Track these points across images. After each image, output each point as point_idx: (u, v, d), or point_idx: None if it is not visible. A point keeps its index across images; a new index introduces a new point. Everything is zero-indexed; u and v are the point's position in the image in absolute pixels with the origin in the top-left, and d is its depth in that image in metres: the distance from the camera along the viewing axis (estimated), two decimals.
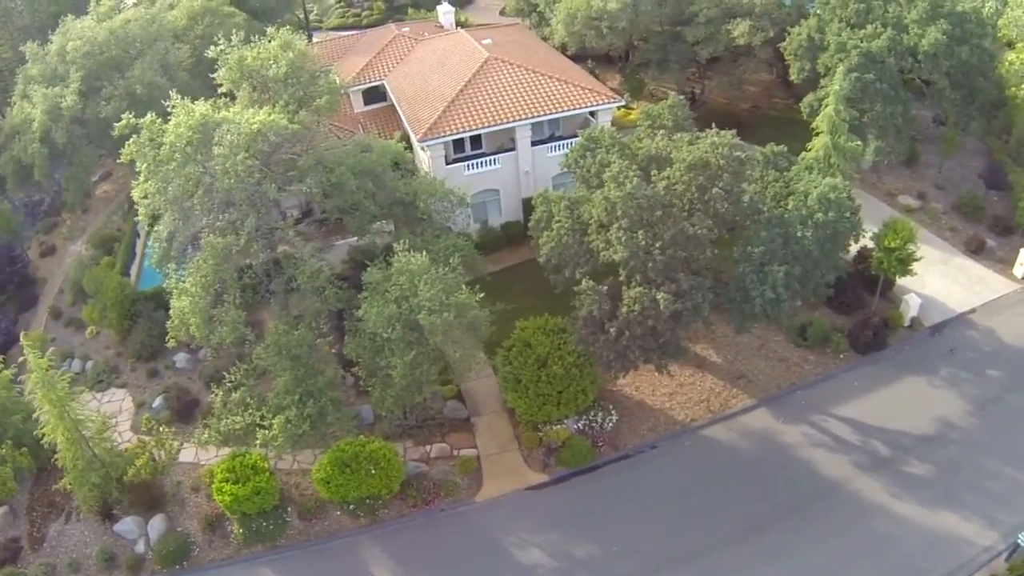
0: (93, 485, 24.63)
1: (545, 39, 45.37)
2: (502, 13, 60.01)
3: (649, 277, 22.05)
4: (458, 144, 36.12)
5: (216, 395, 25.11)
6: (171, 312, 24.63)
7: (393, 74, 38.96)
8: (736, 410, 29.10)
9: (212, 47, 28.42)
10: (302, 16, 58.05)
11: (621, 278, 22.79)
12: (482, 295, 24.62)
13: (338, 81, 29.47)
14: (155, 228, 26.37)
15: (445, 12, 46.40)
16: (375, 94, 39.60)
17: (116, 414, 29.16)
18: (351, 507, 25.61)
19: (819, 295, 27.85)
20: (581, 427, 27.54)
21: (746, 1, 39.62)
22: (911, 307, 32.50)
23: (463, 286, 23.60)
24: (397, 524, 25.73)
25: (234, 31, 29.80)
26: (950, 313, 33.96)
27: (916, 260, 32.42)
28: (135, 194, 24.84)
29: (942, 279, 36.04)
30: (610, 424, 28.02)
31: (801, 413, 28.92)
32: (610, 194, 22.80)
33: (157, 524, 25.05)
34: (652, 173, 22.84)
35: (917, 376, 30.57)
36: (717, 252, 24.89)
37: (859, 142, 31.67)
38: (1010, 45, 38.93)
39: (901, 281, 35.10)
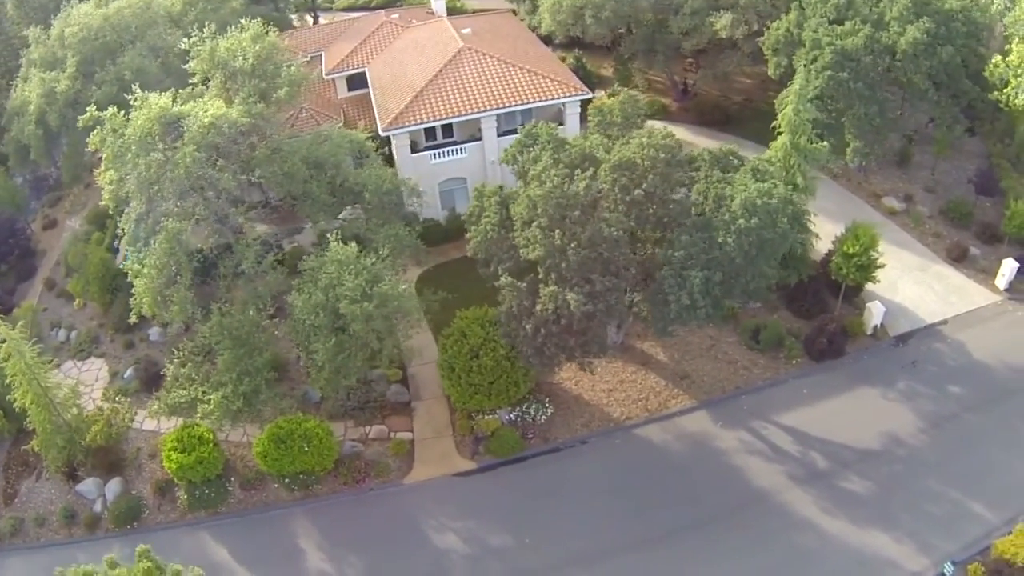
0: (59, 448, 26.83)
1: (534, 28, 45.08)
2: None
3: (564, 276, 22.20)
4: (430, 131, 36.54)
5: (168, 369, 26.61)
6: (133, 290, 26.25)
7: (375, 62, 39.90)
8: (674, 411, 29.20)
9: (185, 39, 29.46)
10: None
11: (540, 275, 22.96)
12: (424, 287, 25.06)
13: (300, 73, 29.90)
14: (125, 211, 27.85)
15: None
16: (359, 80, 40.75)
17: (93, 382, 31.56)
18: (287, 481, 26.77)
19: (758, 298, 27.38)
20: (513, 418, 28.09)
21: None
22: (874, 315, 31.70)
23: (388, 276, 24.14)
24: (329, 500, 27.12)
25: (210, 24, 30.76)
26: (919, 323, 33.16)
27: (879, 267, 31.34)
28: (101, 180, 26.33)
29: (916, 286, 35.01)
30: (543, 417, 28.53)
31: (742, 418, 28.87)
32: (532, 192, 22.98)
33: (114, 486, 27.26)
34: (576, 172, 22.83)
35: (872, 387, 30.16)
36: (648, 253, 24.74)
37: (824, 143, 30.65)
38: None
39: (871, 287, 34.01)
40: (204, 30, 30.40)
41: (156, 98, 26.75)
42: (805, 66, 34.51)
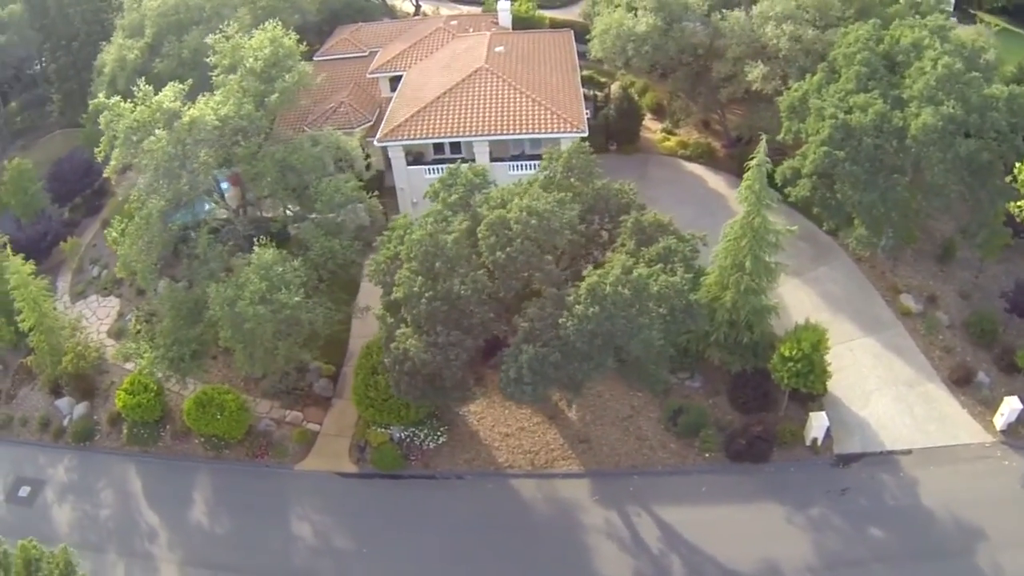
0: (49, 367, 31.81)
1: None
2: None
3: (417, 321, 22.90)
4: (439, 146, 38.80)
5: (132, 324, 30.80)
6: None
7: (413, 68, 42.06)
8: (558, 472, 29.43)
9: (211, 35, 32.87)
10: None
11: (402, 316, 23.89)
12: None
13: (300, 78, 32.49)
14: (137, 184, 31.99)
15: (503, 8, 47.26)
16: (399, 82, 42.10)
17: (104, 317, 36.93)
18: (204, 440, 30.14)
19: (650, 389, 25.89)
20: (403, 437, 29.21)
21: (773, 42, 35.08)
22: (814, 427, 28.58)
23: (293, 286, 26.04)
24: (231, 465, 31.14)
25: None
26: (876, 447, 30.42)
27: (824, 376, 27.85)
28: (99, 153, 30.57)
29: (893, 404, 31.55)
30: (432, 444, 29.30)
31: (622, 499, 28.65)
32: (413, 234, 23.73)
33: (80, 409, 33.14)
34: (455, 221, 23.25)
35: (781, 505, 28.56)
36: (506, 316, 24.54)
37: (791, 228, 27.64)
38: None
39: (837, 394, 30.53)
40: (231, 27, 33.34)
41: (164, 94, 30.17)
42: (806, 137, 31.12)
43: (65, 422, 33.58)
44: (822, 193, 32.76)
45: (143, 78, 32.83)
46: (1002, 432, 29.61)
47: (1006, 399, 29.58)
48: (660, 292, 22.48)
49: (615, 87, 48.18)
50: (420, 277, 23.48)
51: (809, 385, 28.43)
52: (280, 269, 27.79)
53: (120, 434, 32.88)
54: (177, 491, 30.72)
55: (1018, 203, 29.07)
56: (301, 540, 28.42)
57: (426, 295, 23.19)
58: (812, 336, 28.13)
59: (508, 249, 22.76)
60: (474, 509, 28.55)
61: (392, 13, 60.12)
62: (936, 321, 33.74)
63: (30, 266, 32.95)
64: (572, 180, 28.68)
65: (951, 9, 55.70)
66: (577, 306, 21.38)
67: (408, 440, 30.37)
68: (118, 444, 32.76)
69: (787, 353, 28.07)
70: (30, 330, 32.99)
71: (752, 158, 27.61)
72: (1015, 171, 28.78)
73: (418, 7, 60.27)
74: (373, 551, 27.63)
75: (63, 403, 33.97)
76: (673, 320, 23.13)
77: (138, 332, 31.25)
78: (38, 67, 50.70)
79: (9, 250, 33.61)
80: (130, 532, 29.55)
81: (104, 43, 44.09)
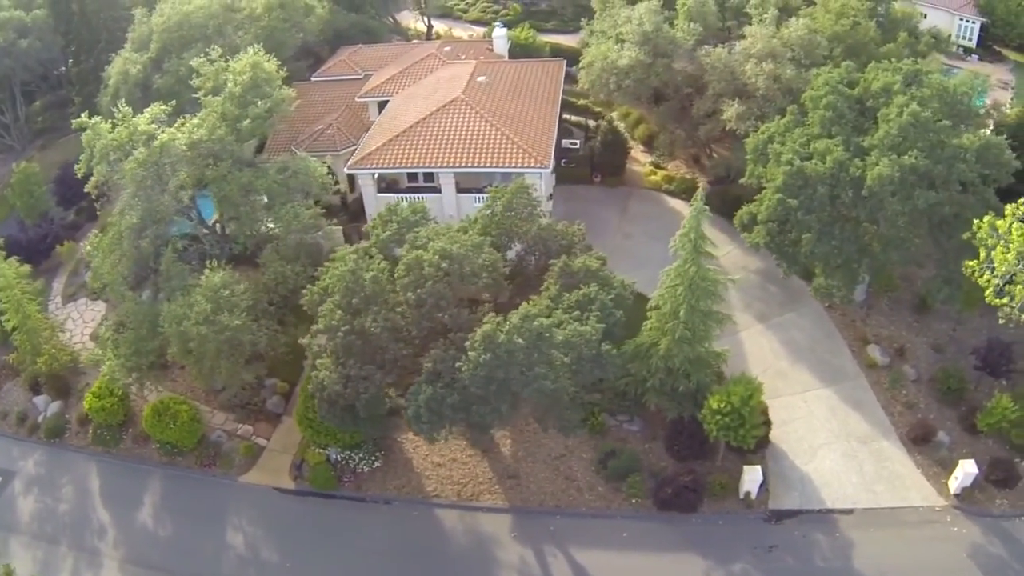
0: (32, 365, 34.28)
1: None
2: None
3: (336, 353, 23.93)
4: (413, 174, 39.87)
5: (103, 331, 32.88)
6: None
7: (400, 94, 42.90)
8: (482, 506, 30.06)
9: (196, 58, 34.76)
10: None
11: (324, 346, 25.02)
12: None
13: (273, 104, 33.84)
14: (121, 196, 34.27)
15: (498, 36, 47.49)
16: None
17: (90, 321, 39.21)
18: (160, 446, 31.95)
19: (564, 432, 26.10)
20: (339, 459, 30.20)
21: (752, 80, 34.75)
22: (746, 481, 28.17)
23: (236, 309, 27.47)
24: (181, 471, 33.44)
25: (207, 48, 35.42)
26: (815, 504, 30.00)
27: (757, 431, 27.37)
28: (79, 168, 32.76)
29: (841, 460, 31.10)
30: (366, 467, 30.27)
31: (540, 538, 29.36)
32: (339, 268, 24.75)
33: (53, 407, 35.69)
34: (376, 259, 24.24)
35: (702, 559, 28.96)
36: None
37: (728, 277, 27.39)
38: None
39: (782, 446, 30.08)
40: (215, 51, 35.24)
41: (142, 116, 32.24)
42: (766, 181, 30.69)
43: (40, 418, 36.25)
44: (779, 240, 32.16)
45: (143, 91, 35.05)
46: (956, 496, 28.81)
47: (961, 462, 28.70)
48: (567, 340, 22.72)
49: (613, 116, 48.26)
50: (340, 311, 24.45)
51: (739, 439, 28.09)
52: (226, 292, 29.30)
53: (87, 434, 35.20)
54: (130, 492, 33.05)
55: (971, 262, 27.39)
56: (232, 549, 30.33)
57: (343, 329, 24.14)
58: (743, 389, 27.70)
59: (419, 290, 23.47)
60: (396, 534, 29.63)
61: (404, 33, 61.21)
62: (902, 375, 32.88)
63: (24, 268, 35.67)
64: (513, 219, 29.21)
65: (973, 46, 53.79)
66: (471, 352, 21.90)
67: (344, 462, 31.46)
68: (85, 443, 35.20)
69: (715, 406, 27.75)
70: (13, 330, 35.65)
71: (692, 203, 27.53)
72: (974, 227, 27.32)
73: (430, 27, 61.29)
74: (296, 566, 29.34)
75: (40, 400, 36.78)
76: (579, 369, 23.33)
77: (107, 340, 33.32)
78: (63, 69, 54.10)
79: (1, 253, 36.36)
80: (82, 527, 32.00)
81: (121, 51, 46.80)
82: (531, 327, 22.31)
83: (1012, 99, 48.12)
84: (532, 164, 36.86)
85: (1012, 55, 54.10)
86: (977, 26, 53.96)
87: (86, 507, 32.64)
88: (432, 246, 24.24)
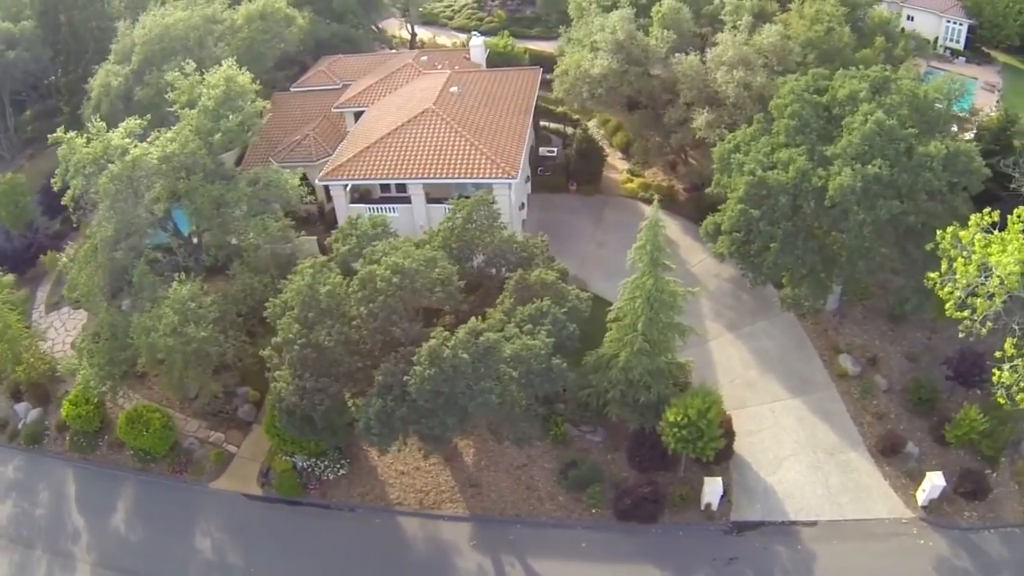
0: (12, 373, 35.14)
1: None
2: None
3: (293, 365, 24.36)
4: (385, 185, 40.43)
5: (79, 341, 33.56)
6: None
7: (375, 104, 43.14)
8: (443, 514, 30.42)
9: (170, 72, 35.29)
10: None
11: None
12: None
13: (247, 119, 34.37)
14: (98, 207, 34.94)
15: (475, 44, 47.58)
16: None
17: (72, 329, 39.93)
18: (134, 453, 32.61)
19: (519, 443, 26.38)
20: (305, 466, 30.65)
21: (723, 88, 34.76)
22: (707, 493, 28.27)
23: (203, 321, 28.02)
24: (154, 478, 34.44)
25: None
26: (778, 516, 29.98)
27: (713, 446, 27.42)
28: (55, 182, 33.45)
29: (806, 472, 31.16)
30: (331, 475, 30.68)
31: (499, 546, 29.74)
32: (296, 282, 25.14)
33: (33, 414, 36.57)
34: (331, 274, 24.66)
35: (660, 570, 29.07)
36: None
37: (688, 289, 27.47)
38: None
39: (747, 457, 30.15)
40: (189, 65, 35.77)
41: (116, 131, 32.89)
42: (730, 191, 30.69)
43: (20, 425, 37.09)
44: (744, 250, 32.15)
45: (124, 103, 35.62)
46: (923, 508, 28.60)
47: (928, 474, 28.54)
48: (515, 354, 22.96)
49: (591, 123, 48.28)
50: (296, 324, 24.89)
51: (697, 451, 28.15)
52: (193, 304, 29.86)
53: (64, 440, 35.93)
54: (104, 497, 34.03)
55: (933, 274, 26.97)
56: (200, 554, 31.24)
57: (299, 342, 24.58)
58: (700, 402, 27.76)
59: (371, 304, 23.82)
60: (358, 541, 30.26)
61: (388, 42, 61.44)
62: (873, 385, 32.80)
63: (8, 278, 36.53)
64: (474, 231, 29.47)
65: (961, 48, 53.23)
66: (417, 367, 22.23)
67: (310, 469, 31.95)
68: (62, 449, 36.10)
69: (672, 418, 27.83)
70: None
71: (649, 214, 27.63)
72: (937, 238, 26.89)
73: (414, 35, 61.52)
74: (259, 571, 30.04)
75: (21, 407, 37.76)
76: (529, 383, 23.57)
77: (82, 349, 34.02)
78: (53, 79, 54.99)
79: None
80: (57, 531, 33.02)
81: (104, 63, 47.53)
82: (477, 342, 22.61)
83: (997, 102, 47.71)
84: (500, 174, 37.20)
85: (1000, 57, 53.58)
86: (965, 28, 53.59)
87: (61, 512, 33.64)
88: (385, 261, 24.62)
